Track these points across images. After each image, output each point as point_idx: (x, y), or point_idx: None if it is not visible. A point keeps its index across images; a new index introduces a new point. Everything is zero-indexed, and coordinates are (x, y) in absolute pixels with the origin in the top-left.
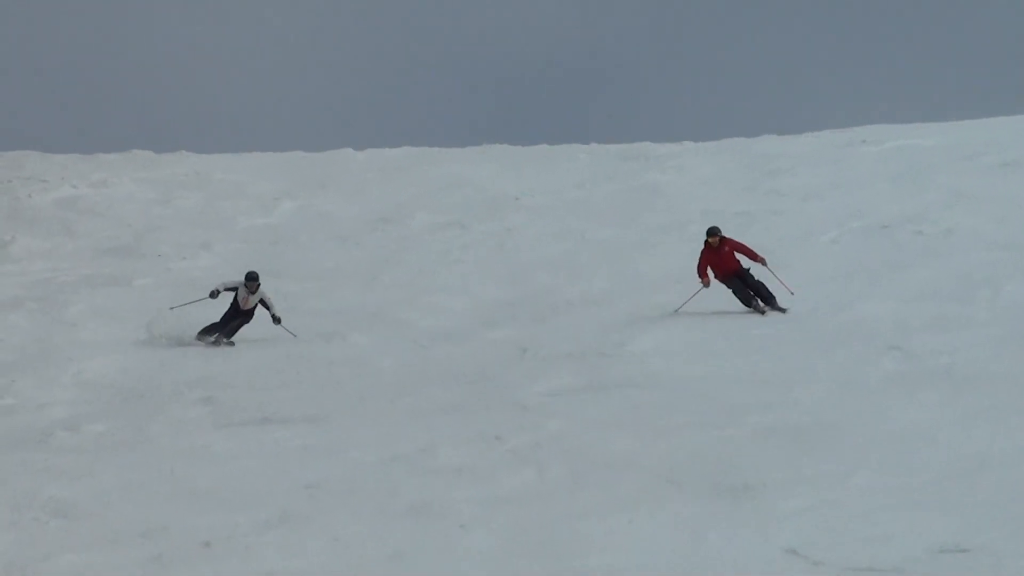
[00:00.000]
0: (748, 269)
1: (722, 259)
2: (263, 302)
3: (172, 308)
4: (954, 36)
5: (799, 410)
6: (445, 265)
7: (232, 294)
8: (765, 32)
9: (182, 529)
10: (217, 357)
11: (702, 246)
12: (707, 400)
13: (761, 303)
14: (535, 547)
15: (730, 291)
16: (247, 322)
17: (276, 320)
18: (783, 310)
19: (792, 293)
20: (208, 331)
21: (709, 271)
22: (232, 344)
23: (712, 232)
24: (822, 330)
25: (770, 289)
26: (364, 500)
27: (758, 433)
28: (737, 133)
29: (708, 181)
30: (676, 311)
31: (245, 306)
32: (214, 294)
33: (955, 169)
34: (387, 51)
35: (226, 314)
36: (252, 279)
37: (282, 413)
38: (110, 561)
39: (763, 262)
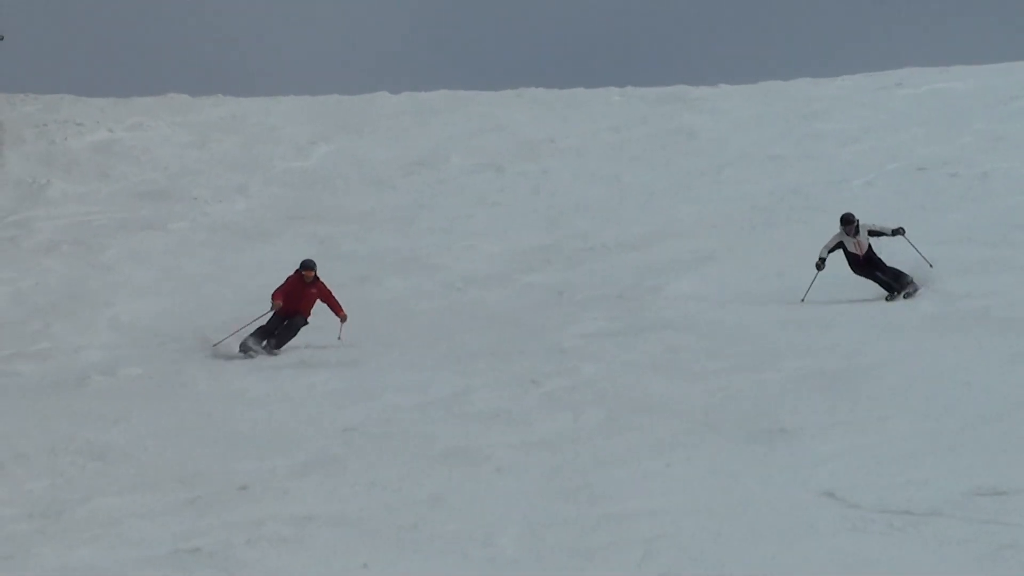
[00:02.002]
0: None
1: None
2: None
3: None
4: None
5: (836, 354)
6: (481, 209)
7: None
8: None
9: (219, 473)
10: (252, 303)
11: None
12: (743, 344)
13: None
14: (571, 491)
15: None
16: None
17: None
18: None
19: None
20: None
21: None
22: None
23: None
24: (847, 275)
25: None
26: (400, 444)
27: (794, 377)
28: (773, 76)
29: (743, 124)
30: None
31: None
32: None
33: (991, 113)
34: None
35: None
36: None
37: (318, 357)
38: (147, 504)
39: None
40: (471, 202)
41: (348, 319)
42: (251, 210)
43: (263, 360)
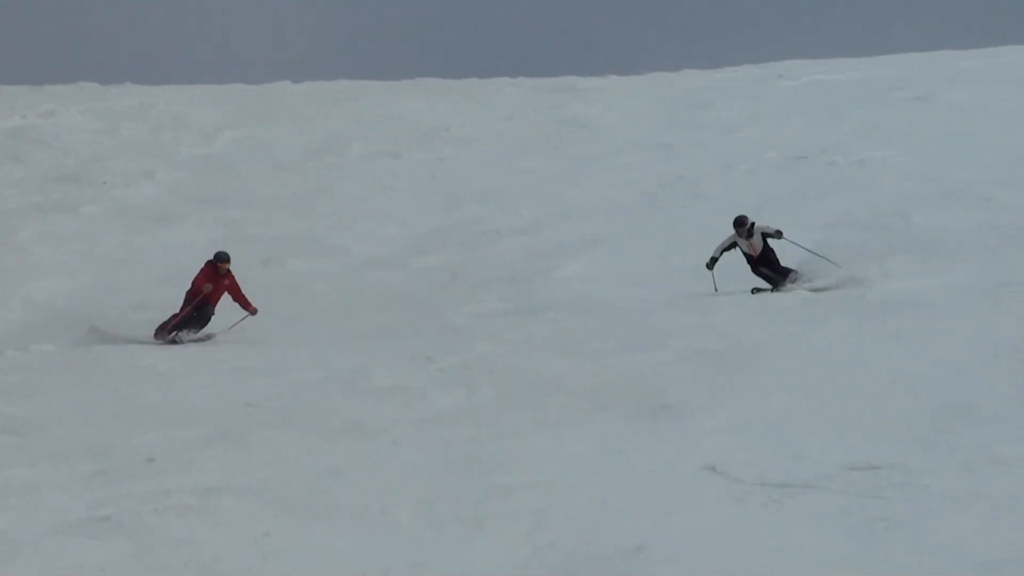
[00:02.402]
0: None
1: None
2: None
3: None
4: None
5: (718, 335)
6: (379, 193)
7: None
8: None
9: (127, 445)
10: (160, 283)
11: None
12: (631, 325)
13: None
14: (464, 464)
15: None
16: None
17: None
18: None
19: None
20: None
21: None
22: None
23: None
24: (728, 258)
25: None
26: (301, 418)
27: (679, 356)
28: (660, 68)
29: (631, 114)
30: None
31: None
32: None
33: (868, 103)
34: None
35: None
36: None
37: (222, 336)
38: (58, 475)
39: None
40: (369, 187)
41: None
42: (159, 194)
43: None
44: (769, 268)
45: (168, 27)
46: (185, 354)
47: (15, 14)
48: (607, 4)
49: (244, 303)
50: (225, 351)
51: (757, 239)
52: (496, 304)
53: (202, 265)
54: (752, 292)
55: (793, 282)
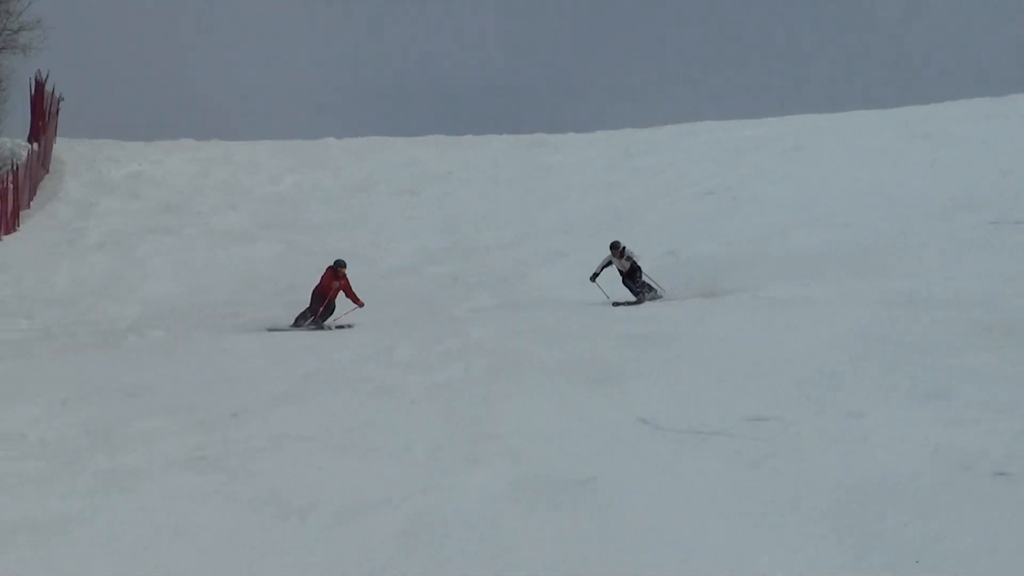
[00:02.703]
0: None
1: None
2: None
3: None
4: (765, 47)
5: (646, 324)
6: (400, 220)
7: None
8: (635, 42)
9: (217, 404)
10: (241, 284)
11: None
12: (584, 317)
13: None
14: (463, 418)
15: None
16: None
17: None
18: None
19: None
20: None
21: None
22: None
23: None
24: (663, 268)
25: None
26: (344, 384)
27: (620, 340)
28: (605, 127)
29: (585, 161)
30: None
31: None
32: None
33: (759, 152)
34: (360, 69)
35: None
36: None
37: (286, 323)
38: (167, 426)
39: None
40: (394, 216)
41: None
42: (239, 221)
43: (250, 326)
44: (632, 282)
45: (245, 98)
46: (259, 337)
47: (135, 89)
48: (570, 84)
49: (354, 298)
50: (287, 337)
51: (626, 260)
52: (487, 300)
53: (324, 271)
54: (613, 304)
55: (650, 297)
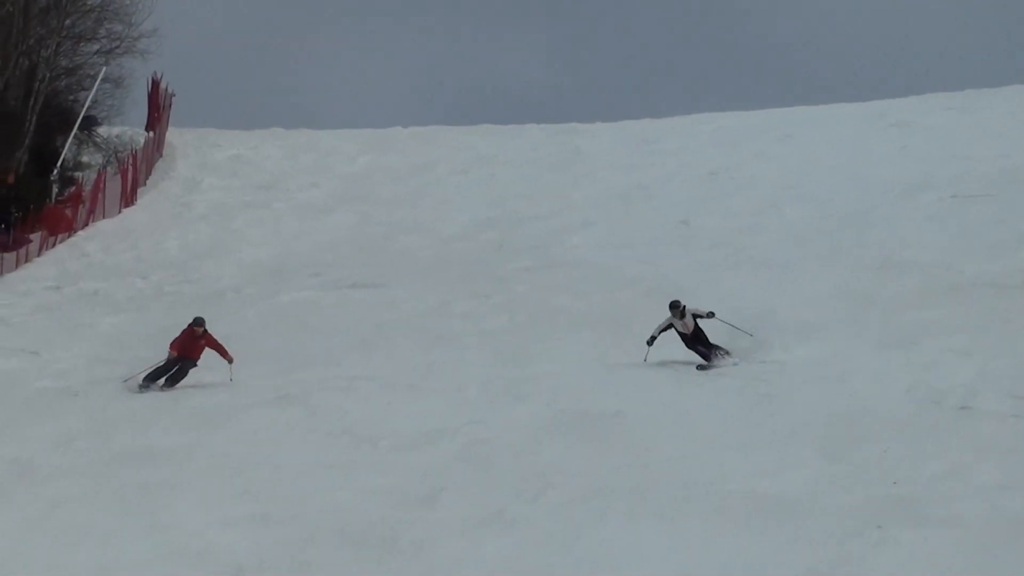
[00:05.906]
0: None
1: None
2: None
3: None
4: (764, 48)
5: (659, 280)
6: (457, 196)
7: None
8: (652, 47)
9: (299, 350)
10: (325, 248)
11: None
12: (613, 275)
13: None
14: (507, 358)
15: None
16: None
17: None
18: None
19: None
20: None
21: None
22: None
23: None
24: (669, 234)
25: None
26: (409, 333)
27: (637, 295)
28: (627, 117)
29: (611, 146)
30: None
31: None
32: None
33: (756, 140)
34: (425, 70)
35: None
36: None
37: (363, 281)
38: (259, 370)
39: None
40: (452, 192)
41: (235, 360)
42: (321, 196)
43: (330, 283)
44: (701, 344)
45: (328, 91)
46: (338, 293)
47: (236, 87)
48: (598, 82)
49: (222, 354)
50: (363, 292)
51: (689, 319)
52: (528, 262)
53: (183, 329)
54: (697, 368)
55: (721, 357)
